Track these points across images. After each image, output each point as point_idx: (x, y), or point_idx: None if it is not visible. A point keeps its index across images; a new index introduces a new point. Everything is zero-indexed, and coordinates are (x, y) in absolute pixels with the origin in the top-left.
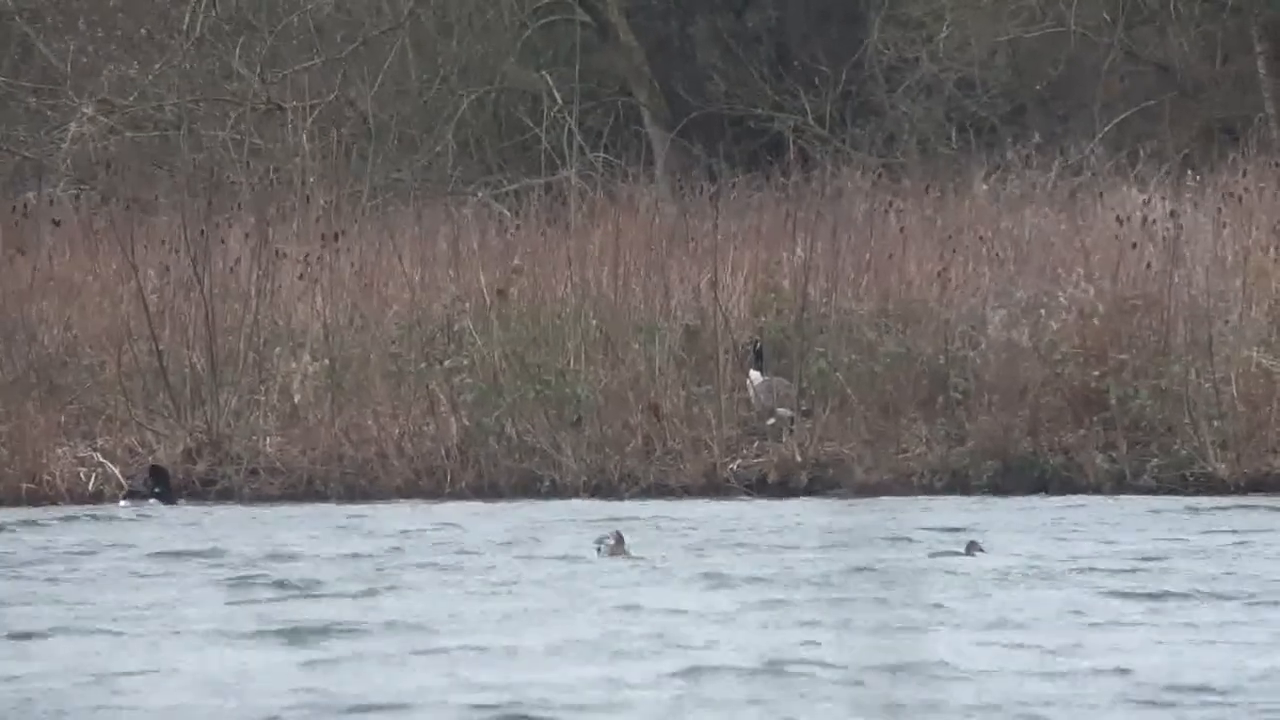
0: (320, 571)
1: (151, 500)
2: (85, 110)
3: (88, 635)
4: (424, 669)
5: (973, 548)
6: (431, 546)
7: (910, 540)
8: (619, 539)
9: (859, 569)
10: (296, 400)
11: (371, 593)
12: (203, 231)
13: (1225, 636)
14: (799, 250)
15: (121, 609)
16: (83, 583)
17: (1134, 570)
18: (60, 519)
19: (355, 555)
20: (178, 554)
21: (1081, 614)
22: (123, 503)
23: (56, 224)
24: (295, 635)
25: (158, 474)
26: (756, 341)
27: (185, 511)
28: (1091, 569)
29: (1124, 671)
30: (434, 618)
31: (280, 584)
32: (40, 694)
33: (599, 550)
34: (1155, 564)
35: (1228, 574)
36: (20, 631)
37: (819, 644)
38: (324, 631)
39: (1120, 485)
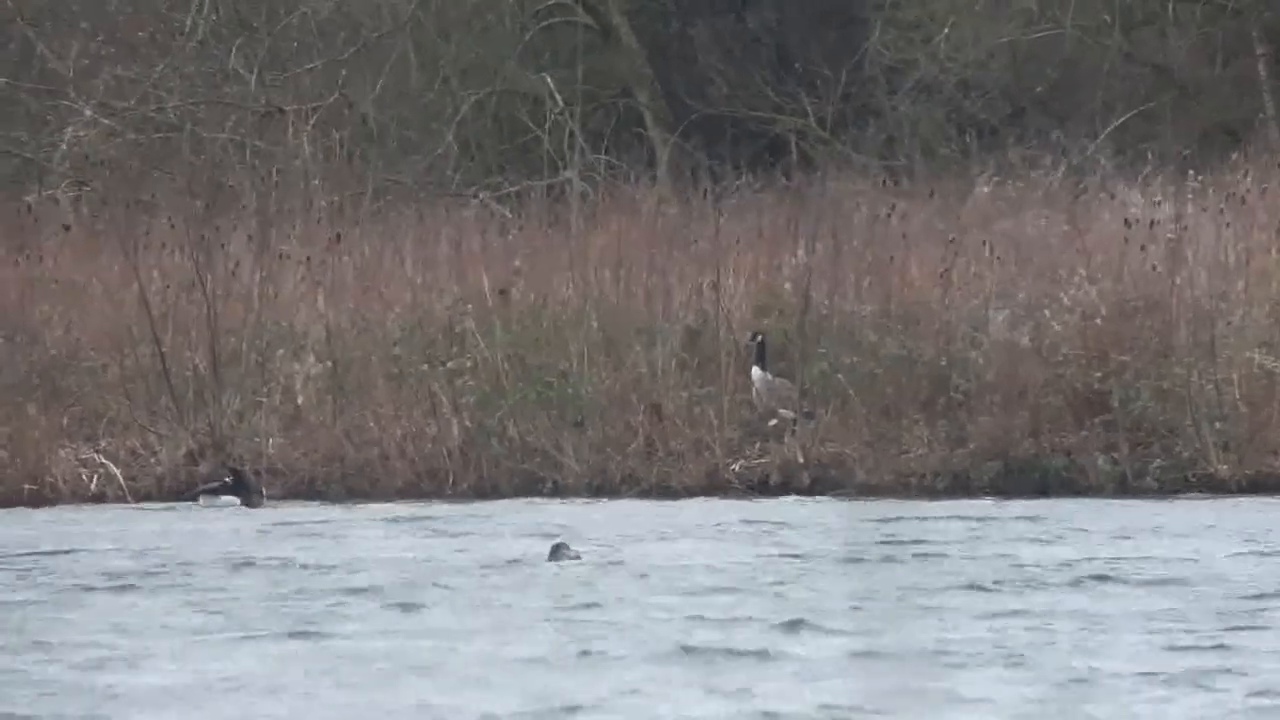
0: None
1: (224, 497)
2: (86, 112)
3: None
4: None
5: None
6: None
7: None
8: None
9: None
10: (299, 402)
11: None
12: (204, 234)
13: None
14: (800, 252)
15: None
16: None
17: None
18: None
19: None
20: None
21: None
22: (201, 500)
23: (67, 229)
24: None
25: (235, 474)
26: (758, 335)
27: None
28: None
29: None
30: None
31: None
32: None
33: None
34: None
35: None
36: None
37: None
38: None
39: (1122, 487)
